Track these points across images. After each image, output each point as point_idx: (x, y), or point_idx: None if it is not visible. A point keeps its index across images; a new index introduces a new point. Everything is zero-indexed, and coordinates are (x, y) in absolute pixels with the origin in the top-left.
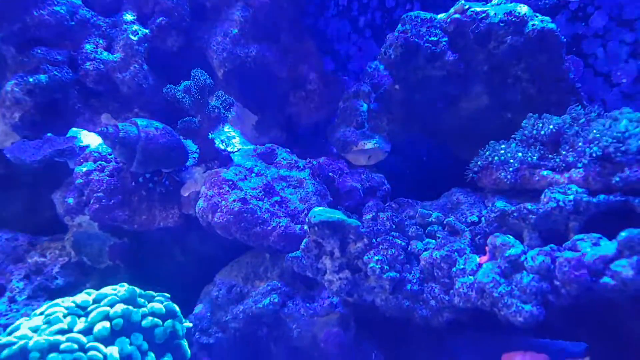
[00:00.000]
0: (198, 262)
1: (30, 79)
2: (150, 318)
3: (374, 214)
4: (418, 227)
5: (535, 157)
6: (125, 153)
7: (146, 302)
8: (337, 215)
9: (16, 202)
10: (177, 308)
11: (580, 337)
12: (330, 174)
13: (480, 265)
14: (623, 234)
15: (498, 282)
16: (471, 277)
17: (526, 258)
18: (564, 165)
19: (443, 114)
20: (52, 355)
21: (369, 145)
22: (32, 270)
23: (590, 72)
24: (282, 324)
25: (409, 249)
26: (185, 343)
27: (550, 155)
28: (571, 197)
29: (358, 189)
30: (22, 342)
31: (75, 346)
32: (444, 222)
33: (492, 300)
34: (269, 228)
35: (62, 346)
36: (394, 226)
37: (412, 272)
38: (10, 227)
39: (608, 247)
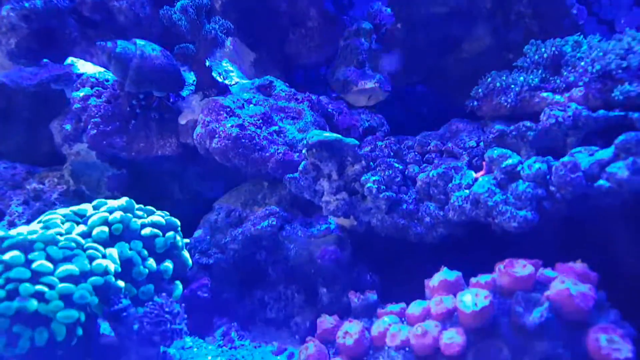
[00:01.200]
0: (196, 197)
1: (26, 4)
2: (149, 229)
3: (372, 145)
4: (416, 153)
5: (536, 80)
6: (120, 70)
7: (145, 215)
8: (335, 135)
9: (14, 135)
10: (177, 222)
11: (573, 252)
12: (330, 110)
13: (476, 180)
14: (620, 137)
15: (493, 191)
16: (466, 190)
17: (522, 167)
18: (564, 85)
19: (445, 57)
20: (51, 247)
21: (370, 84)
22: (31, 197)
23: (594, 20)
24: (280, 246)
25: (406, 172)
26: (186, 254)
27: (551, 78)
28: (570, 112)
29: (357, 127)
30: (21, 236)
31: (74, 244)
32: (442, 149)
33: (486, 209)
34: (267, 154)
35: (60, 243)
36: (392, 154)
37: (409, 193)
38: (8, 159)
39: (604, 152)
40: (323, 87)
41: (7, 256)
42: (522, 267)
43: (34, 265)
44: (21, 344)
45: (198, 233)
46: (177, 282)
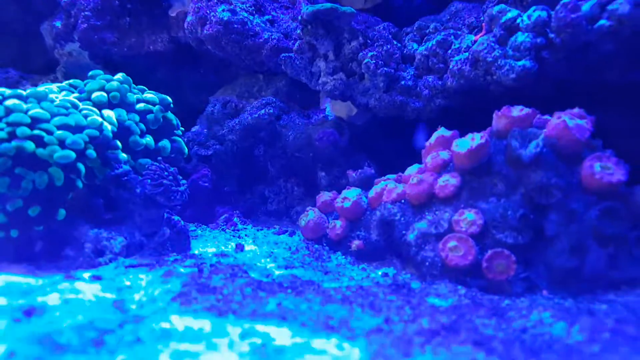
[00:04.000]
0: (191, 90)
1: None
2: (143, 103)
3: (369, 26)
4: (415, 34)
5: None
6: None
7: (140, 94)
8: (331, 4)
9: (6, 49)
10: (169, 99)
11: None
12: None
13: (475, 41)
14: None
15: (492, 47)
16: (465, 53)
17: (522, 19)
18: None
19: None
20: (46, 103)
21: None
22: None
23: None
24: (278, 137)
25: (404, 52)
26: (181, 140)
27: None
28: None
29: None
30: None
31: (69, 104)
32: (442, 29)
33: (485, 67)
34: (261, 40)
35: (56, 102)
36: (390, 36)
37: (407, 71)
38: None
39: None
40: None
41: (8, 102)
42: (519, 110)
43: (32, 112)
44: (24, 185)
45: (195, 128)
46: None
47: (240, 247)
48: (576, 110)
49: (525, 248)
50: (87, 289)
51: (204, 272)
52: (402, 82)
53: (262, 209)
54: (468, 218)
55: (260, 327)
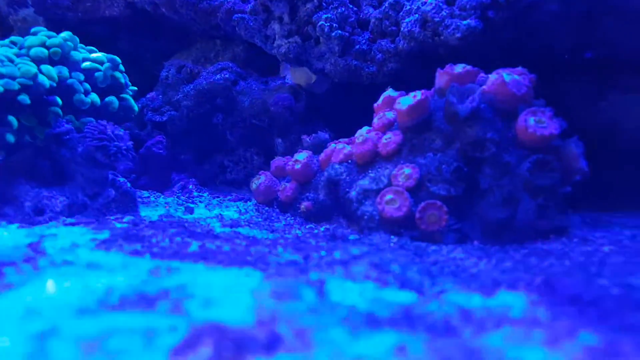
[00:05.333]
0: (153, 60)
1: None
2: (89, 62)
3: None
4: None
5: None
6: None
7: (88, 54)
8: None
9: None
10: (118, 59)
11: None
12: None
13: (425, 2)
14: None
15: (440, 7)
16: (416, 15)
17: None
18: None
19: None
20: None
21: None
22: None
23: None
24: (235, 104)
25: (361, 16)
26: (130, 98)
27: None
28: None
29: None
30: None
31: (4, 58)
32: None
33: (433, 27)
34: (217, 4)
35: None
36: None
37: (362, 35)
38: None
39: None
40: None
41: None
42: (462, 68)
43: None
44: None
45: (151, 94)
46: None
47: (189, 210)
48: (519, 69)
49: (459, 200)
50: (8, 233)
51: (138, 226)
52: (357, 47)
53: (221, 178)
54: (405, 172)
55: (174, 264)
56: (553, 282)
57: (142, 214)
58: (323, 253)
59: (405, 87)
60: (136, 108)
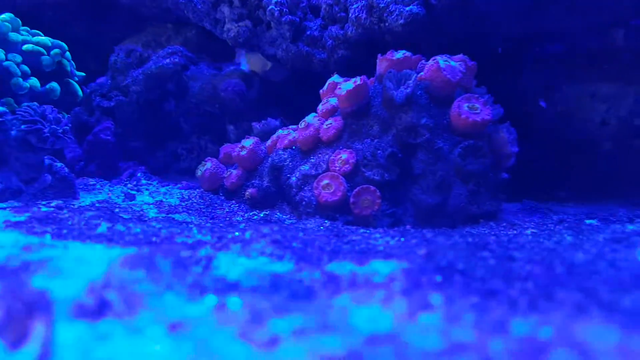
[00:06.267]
0: (110, 47)
1: None
2: (32, 45)
3: None
4: None
5: None
6: None
7: (30, 37)
8: None
9: None
10: (64, 44)
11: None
12: None
13: None
14: None
15: None
16: (363, 0)
17: None
18: None
19: None
20: None
21: None
22: None
23: None
24: (187, 89)
25: (313, 1)
26: (75, 83)
27: None
28: None
29: None
30: None
31: None
32: None
33: (379, 14)
34: None
35: None
36: None
37: (314, 21)
38: None
39: None
40: None
41: None
42: (402, 54)
43: None
44: None
45: (101, 79)
46: (64, 113)
47: (130, 197)
48: (459, 55)
49: (394, 185)
50: None
51: (62, 210)
52: (308, 32)
53: (174, 166)
54: (342, 157)
55: (74, 245)
56: (435, 254)
57: (81, 200)
58: (237, 234)
59: (356, 74)
60: (80, 93)
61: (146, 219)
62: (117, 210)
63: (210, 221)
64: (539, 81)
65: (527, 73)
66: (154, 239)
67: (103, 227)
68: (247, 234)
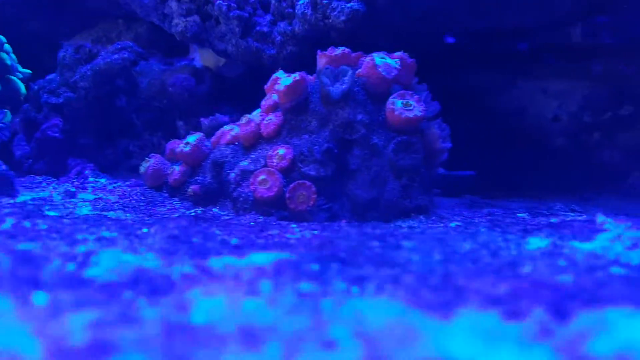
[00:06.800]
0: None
1: None
2: None
3: None
4: None
5: None
6: None
7: None
8: None
9: None
10: (3, 38)
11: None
12: None
13: None
14: None
15: None
16: None
17: None
18: None
19: None
20: None
21: None
22: None
23: None
24: (136, 85)
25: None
26: (17, 80)
27: None
28: None
29: None
30: None
31: None
32: None
33: (322, 10)
34: None
35: None
36: None
37: (265, 17)
38: None
39: None
40: None
41: None
42: (340, 50)
43: None
44: None
45: (50, 75)
46: (7, 110)
47: (70, 195)
48: (399, 52)
49: (331, 181)
50: None
51: None
52: (258, 28)
53: (126, 163)
54: (279, 153)
55: None
56: (326, 244)
57: (20, 197)
58: (145, 230)
59: (306, 71)
60: (23, 90)
61: (78, 216)
62: (47, 207)
63: (147, 219)
64: (495, 77)
65: (482, 69)
66: (53, 234)
67: (8, 223)
68: (150, 230)
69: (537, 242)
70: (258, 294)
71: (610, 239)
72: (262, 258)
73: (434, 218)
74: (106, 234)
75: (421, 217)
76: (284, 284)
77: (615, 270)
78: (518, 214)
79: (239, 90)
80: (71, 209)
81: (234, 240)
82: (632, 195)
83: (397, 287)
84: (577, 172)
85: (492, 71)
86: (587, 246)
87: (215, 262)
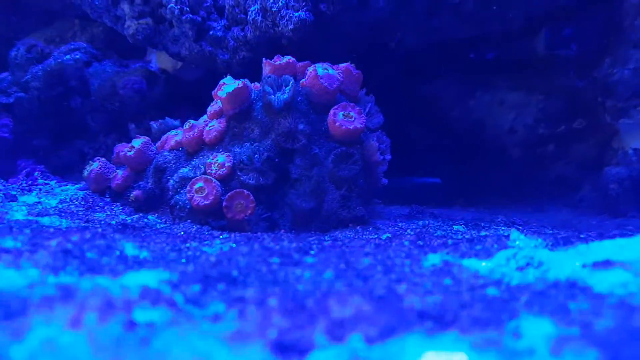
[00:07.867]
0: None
1: None
2: None
3: None
4: None
5: None
6: None
7: None
8: None
9: None
10: None
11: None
12: None
13: None
14: None
15: None
16: (257, 5)
17: None
18: None
19: None
20: None
21: None
22: None
23: None
24: (89, 86)
25: (220, 2)
26: None
27: None
28: None
29: None
30: None
31: None
32: None
33: (272, 17)
34: None
35: None
36: None
37: (219, 21)
38: None
39: None
40: None
41: None
42: (286, 59)
43: None
44: None
45: (2, 74)
46: None
47: (10, 198)
48: (345, 64)
49: (271, 190)
50: None
51: None
52: (212, 32)
53: (80, 166)
54: (219, 161)
55: None
56: (222, 262)
57: None
58: (53, 243)
59: (260, 77)
60: None
61: (8, 220)
62: None
63: (83, 224)
64: (457, 87)
65: (443, 79)
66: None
67: None
68: (50, 242)
69: (433, 259)
70: (80, 326)
71: (508, 257)
72: (138, 278)
73: (370, 229)
74: (9, 244)
75: (358, 228)
76: (125, 313)
77: (490, 291)
78: (454, 226)
79: (198, 94)
80: (3, 214)
81: (144, 254)
82: (583, 207)
83: (251, 312)
84: (532, 183)
85: (453, 81)
86: (479, 265)
87: (85, 283)
